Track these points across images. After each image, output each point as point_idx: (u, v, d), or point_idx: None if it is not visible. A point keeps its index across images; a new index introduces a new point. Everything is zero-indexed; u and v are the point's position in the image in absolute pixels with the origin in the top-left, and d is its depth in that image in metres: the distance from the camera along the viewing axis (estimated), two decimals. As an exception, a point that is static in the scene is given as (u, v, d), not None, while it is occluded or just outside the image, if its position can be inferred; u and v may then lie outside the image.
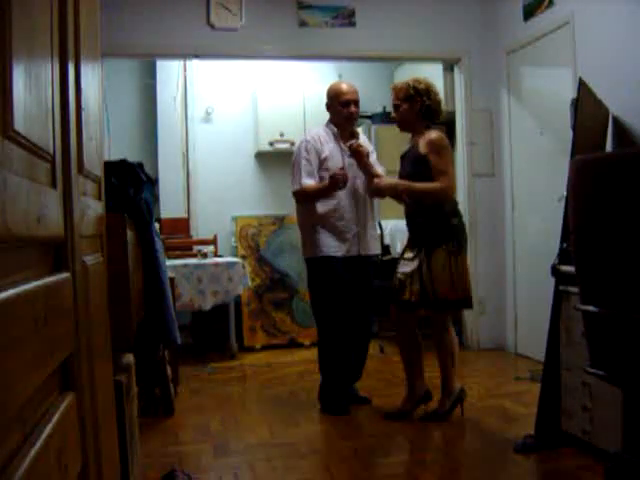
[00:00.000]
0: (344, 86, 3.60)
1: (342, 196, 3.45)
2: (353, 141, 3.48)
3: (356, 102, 3.57)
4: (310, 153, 3.48)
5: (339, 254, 3.44)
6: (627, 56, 3.47)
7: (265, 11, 4.66)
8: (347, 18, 4.78)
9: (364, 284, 3.55)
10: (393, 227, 5.30)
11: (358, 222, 3.50)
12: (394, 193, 3.34)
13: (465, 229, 3.39)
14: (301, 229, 3.63)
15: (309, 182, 3.46)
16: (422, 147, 3.23)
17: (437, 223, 3.20)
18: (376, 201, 3.76)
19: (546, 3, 4.21)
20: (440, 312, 3.26)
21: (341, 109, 3.52)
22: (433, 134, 3.26)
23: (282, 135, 5.61)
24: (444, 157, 3.23)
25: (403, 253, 3.37)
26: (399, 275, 3.25)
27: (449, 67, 5.20)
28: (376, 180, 3.38)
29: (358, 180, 3.50)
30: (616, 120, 3.49)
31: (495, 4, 4.88)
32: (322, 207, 3.45)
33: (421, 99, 3.25)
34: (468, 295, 3.27)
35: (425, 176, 3.19)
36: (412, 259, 3.23)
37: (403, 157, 3.40)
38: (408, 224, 3.38)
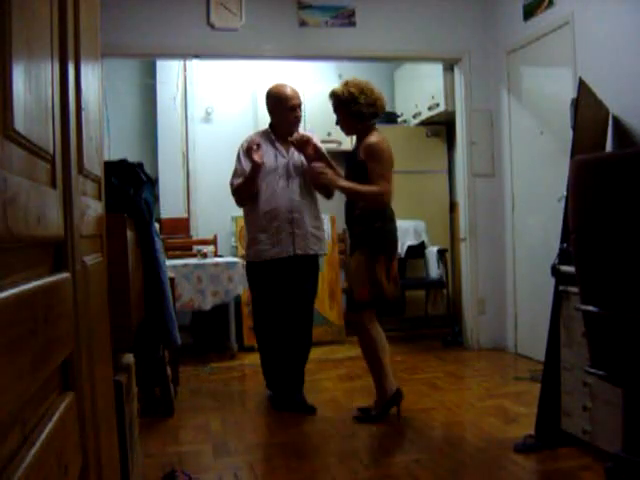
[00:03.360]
0: (289, 90, 3.51)
1: (276, 197, 3.41)
2: (295, 135, 3.45)
3: (300, 106, 3.53)
4: (243, 156, 3.48)
5: (269, 257, 3.43)
6: (627, 56, 3.47)
7: (265, 11, 4.66)
8: (347, 18, 4.78)
9: (301, 285, 3.50)
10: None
11: (292, 222, 3.42)
12: (327, 184, 3.35)
13: (391, 233, 3.29)
14: (245, 234, 3.70)
15: (239, 181, 3.46)
16: (361, 152, 3.26)
17: (360, 227, 3.25)
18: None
19: (546, 3, 4.21)
20: (355, 312, 3.29)
21: (288, 114, 3.48)
22: (372, 138, 3.23)
23: (282, 135, 5.60)
24: (381, 162, 3.20)
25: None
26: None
27: (449, 67, 5.20)
28: (319, 165, 3.32)
29: (294, 180, 3.46)
30: (616, 120, 3.49)
31: (495, 4, 4.88)
32: (256, 210, 3.45)
33: (349, 104, 3.24)
34: (384, 299, 3.23)
35: (363, 181, 3.20)
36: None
37: (349, 156, 3.45)
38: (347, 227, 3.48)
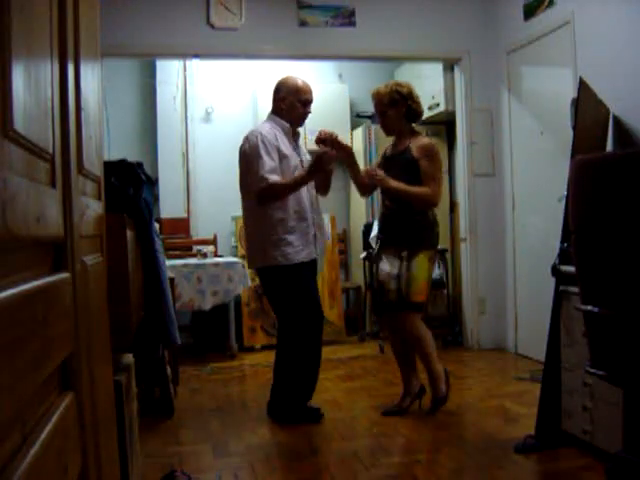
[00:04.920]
0: (303, 83, 3.36)
1: (303, 196, 3.27)
2: (321, 133, 3.29)
3: (311, 104, 3.39)
4: (270, 148, 3.20)
5: (306, 259, 3.26)
6: (627, 56, 3.47)
7: (265, 11, 4.66)
8: (347, 18, 4.78)
9: (317, 287, 3.44)
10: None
11: (314, 223, 3.34)
12: (380, 186, 3.31)
13: (439, 236, 3.43)
14: (258, 235, 3.28)
15: (276, 178, 3.16)
16: (414, 151, 3.27)
17: (424, 229, 3.28)
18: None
19: (546, 3, 4.21)
20: (415, 312, 3.28)
21: (299, 106, 3.31)
22: (425, 140, 3.34)
23: (282, 135, 5.60)
24: (435, 163, 3.28)
25: (379, 253, 3.40)
26: (381, 276, 3.33)
27: (449, 67, 5.20)
28: (370, 169, 3.34)
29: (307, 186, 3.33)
30: (617, 120, 3.49)
31: (495, 4, 4.88)
32: (284, 210, 3.21)
33: (406, 103, 3.30)
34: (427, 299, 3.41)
35: (415, 180, 3.21)
36: (392, 260, 3.30)
37: (389, 158, 3.40)
38: (386, 225, 3.40)
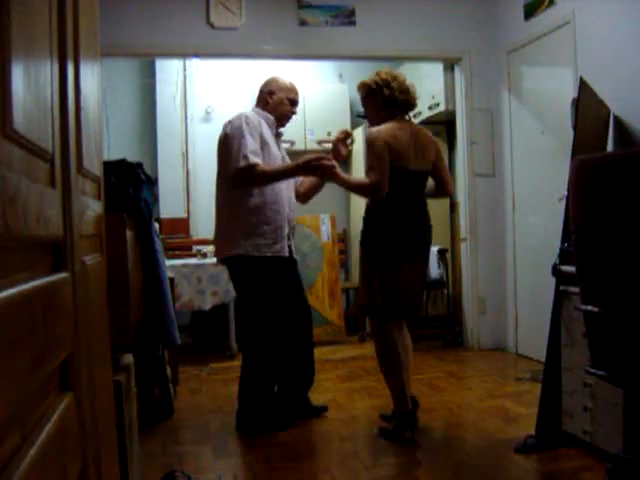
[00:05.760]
0: (292, 84, 3.34)
1: (282, 190, 3.18)
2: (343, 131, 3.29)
3: (297, 105, 3.36)
4: (253, 131, 3.10)
5: (279, 254, 3.16)
6: (628, 55, 3.47)
7: (265, 10, 4.66)
8: (347, 17, 4.78)
9: (299, 287, 3.37)
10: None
11: (290, 221, 3.24)
12: (331, 179, 3.09)
13: (392, 236, 2.99)
14: (230, 223, 3.15)
15: (257, 160, 3.03)
16: None
17: (366, 225, 3.06)
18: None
19: (547, 2, 4.21)
20: (364, 316, 3.08)
21: (287, 104, 3.28)
22: (373, 128, 3.01)
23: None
24: (371, 152, 2.93)
25: None
26: None
27: (449, 67, 5.20)
28: (332, 163, 3.02)
29: (289, 181, 3.28)
30: (617, 120, 3.49)
31: (496, 3, 4.88)
32: (262, 199, 3.12)
33: (381, 91, 3.03)
34: (388, 302, 2.96)
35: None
36: None
37: None
38: None
